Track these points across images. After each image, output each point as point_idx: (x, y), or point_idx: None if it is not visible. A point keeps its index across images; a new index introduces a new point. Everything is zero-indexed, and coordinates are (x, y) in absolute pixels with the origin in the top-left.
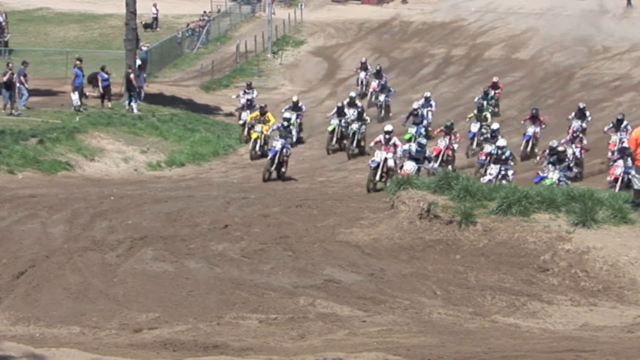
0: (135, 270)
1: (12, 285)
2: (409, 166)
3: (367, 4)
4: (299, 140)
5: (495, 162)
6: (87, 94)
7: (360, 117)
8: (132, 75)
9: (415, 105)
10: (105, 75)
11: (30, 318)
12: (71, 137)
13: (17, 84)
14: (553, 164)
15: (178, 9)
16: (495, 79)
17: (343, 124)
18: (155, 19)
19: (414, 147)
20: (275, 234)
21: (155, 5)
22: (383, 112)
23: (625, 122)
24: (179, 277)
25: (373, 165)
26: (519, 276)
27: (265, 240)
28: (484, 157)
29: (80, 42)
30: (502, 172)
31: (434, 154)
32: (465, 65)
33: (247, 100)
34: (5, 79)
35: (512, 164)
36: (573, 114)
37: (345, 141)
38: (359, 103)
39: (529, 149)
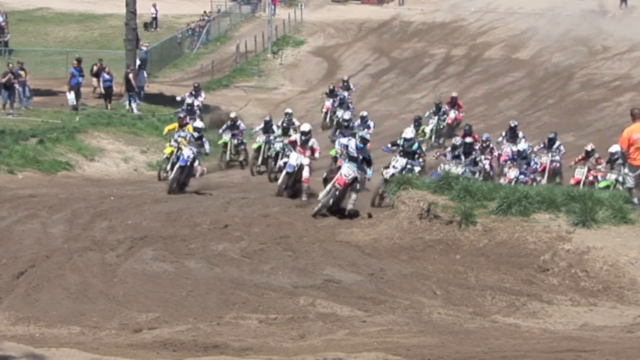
0: (135, 270)
1: (12, 285)
2: (348, 170)
3: (367, 4)
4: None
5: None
6: (94, 87)
7: (286, 133)
8: (131, 75)
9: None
10: (107, 76)
11: (30, 318)
12: (71, 137)
13: (16, 85)
14: (457, 157)
15: (178, 9)
16: (454, 94)
17: (271, 140)
18: (155, 18)
19: (353, 142)
20: (275, 234)
21: (154, 5)
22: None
23: (557, 143)
24: (179, 277)
25: (289, 170)
26: (519, 276)
27: (265, 240)
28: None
29: (80, 42)
30: (409, 167)
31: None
32: (465, 65)
33: (188, 105)
34: (4, 79)
35: (420, 160)
36: (504, 133)
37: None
38: (296, 122)
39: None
